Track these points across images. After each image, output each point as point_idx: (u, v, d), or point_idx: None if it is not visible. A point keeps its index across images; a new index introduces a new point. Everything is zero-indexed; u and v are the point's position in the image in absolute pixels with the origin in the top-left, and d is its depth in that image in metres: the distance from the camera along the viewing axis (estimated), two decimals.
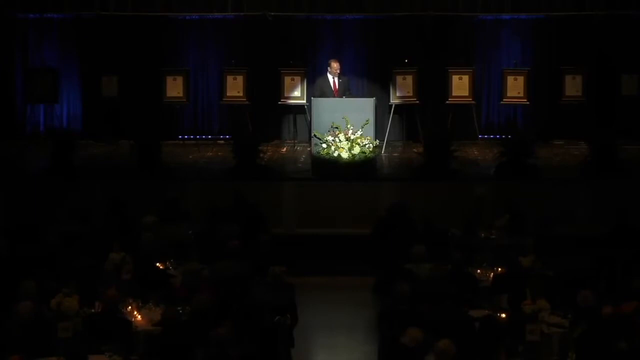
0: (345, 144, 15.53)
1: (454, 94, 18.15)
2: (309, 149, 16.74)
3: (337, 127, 15.64)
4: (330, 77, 16.77)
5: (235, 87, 18.31)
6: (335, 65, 16.79)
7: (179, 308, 9.93)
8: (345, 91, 16.64)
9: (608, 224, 13.70)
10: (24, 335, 9.22)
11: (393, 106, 17.97)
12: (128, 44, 18.82)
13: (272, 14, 18.50)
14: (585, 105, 18.18)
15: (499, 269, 11.52)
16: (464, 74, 18.19)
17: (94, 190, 15.34)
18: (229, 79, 18.35)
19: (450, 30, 18.93)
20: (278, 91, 18.14)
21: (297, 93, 17.98)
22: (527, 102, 18.30)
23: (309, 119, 17.14)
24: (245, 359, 8.91)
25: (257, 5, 18.59)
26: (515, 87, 18.17)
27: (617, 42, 18.56)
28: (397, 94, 17.96)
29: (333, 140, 15.58)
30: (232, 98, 18.34)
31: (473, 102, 18.23)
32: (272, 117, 18.77)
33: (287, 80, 18.12)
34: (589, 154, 16.12)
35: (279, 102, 18.19)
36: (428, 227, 13.25)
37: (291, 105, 18.23)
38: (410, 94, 17.94)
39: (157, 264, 11.73)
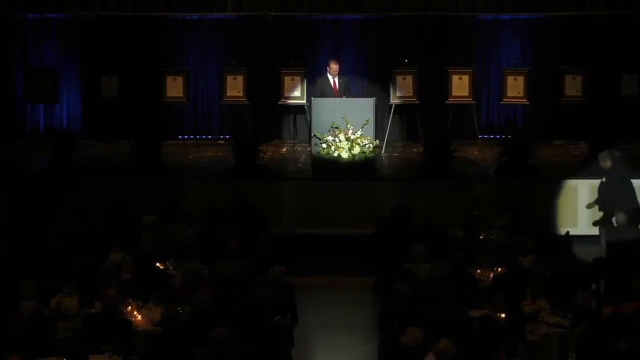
0: (345, 144, 15.54)
1: (454, 94, 18.16)
2: (309, 149, 16.75)
3: (337, 127, 15.65)
4: (330, 77, 16.79)
5: (235, 87, 18.32)
6: (334, 66, 16.80)
7: (179, 308, 9.93)
8: (345, 91, 16.65)
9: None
10: (24, 335, 9.22)
11: (393, 106, 17.97)
12: (128, 44, 18.82)
13: (272, 14, 18.50)
14: (585, 105, 18.19)
15: (499, 269, 11.52)
16: (464, 74, 18.19)
17: (94, 190, 15.34)
18: (229, 79, 18.35)
19: (450, 30, 18.93)
20: (278, 91, 18.14)
21: (297, 93, 17.98)
22: (527, 102, 18.30)
23: (309, 119, 17.15)
24: (245, 359, 8.91)
25: (257, 5, 18.59)
26: (515, 87, 18.17)
27: (617, 42, 18.56)
28: (397, 94, 17.96)
29: (333, 140, 15.59)
30: (232, 98, 18.34)
31: (473, 102, 18.23)
32: (272, 117, 18.77)
33: (287, 80, 18.12)
34: (589, 154, 16.12)
35: (279, 102, 18.19)
36: (428, 227, 13.25)
37: (291, 105, 18.23)
38: (410, 94, 17.94)
39: (157, 264, 11.72)
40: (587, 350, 8.98)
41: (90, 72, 18.83)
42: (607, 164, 14.08)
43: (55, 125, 18.87)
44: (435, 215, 13.64)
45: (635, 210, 13.79)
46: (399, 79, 17.97)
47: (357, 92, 18.02)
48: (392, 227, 13.38)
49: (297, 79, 18.06)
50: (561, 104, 18.30)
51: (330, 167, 15.64)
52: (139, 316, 10.08)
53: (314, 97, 16.57)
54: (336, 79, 16.74)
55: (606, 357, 8.90)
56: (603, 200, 13.92)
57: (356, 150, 15.53)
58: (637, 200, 14.01)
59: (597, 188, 14.29)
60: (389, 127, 17.92)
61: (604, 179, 14.03)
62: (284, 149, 18.28)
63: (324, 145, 15.63)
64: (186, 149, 18.24)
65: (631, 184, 14.06)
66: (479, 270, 11.60)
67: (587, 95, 18.16)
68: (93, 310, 10.04)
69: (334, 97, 16.56)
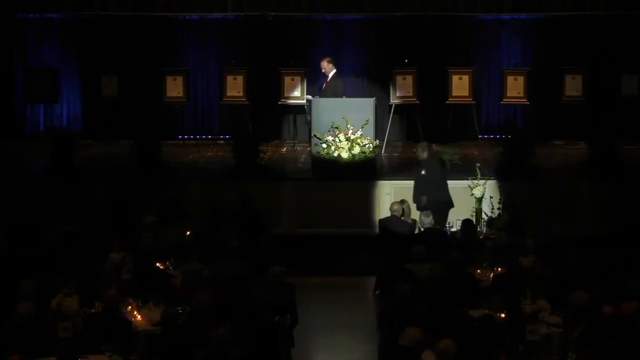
0: (345, 144, 15.55)
1: (454, 94, 18.15)
2: (309, 149, 16.75)
3: (337, 127, 15.66)
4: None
5: (235, 87, 18.32)
6: (322, 63, 16.94)
7: (179, 308, 9.93)
8: (335, 91, 16.61)
9: (608, 224, 13.73)
10: (24, 335, 9.22)
11: (393, 106, 17.96)
12: (128, 44, 18.82)
13: (272, 14, 18.51)
14: (585, 105, 18.18)
15: (499, 269, 11.52)
16: (464, 74, 18.18)
17: (94, 190, 15.36)
18: (229, 79, 18.35)
19: (450, 30, 18.92)
20: (278, 91, 18.15)
21: (297, 93, 17.98)
22: (527, 102, 18.29)
23: (309, 119, 17.17)
24: (245, 359, 8.91)
25: (257, 5, 18.60)
26: (515, 87, 18.17)
27: (617, 42, 18.55)
28: (397, 94, 17.96)
29: (333, 140, 15.60)
30: (232, 98, 18.34)
31: (473, 102, 18.22)
32: (272, 117, 18.77)
33: (287, 80, 18.13)
34: (589, 154, 16.12)
35: (279, 102, 18.19)
36: (429, 227, 13.26)
37: (291, 105, 18.23)
38: (410, 94, 17.94)
39: (157, 264, 11.73)
40: (587, 350, 8.98)
41: (90, 72, 18.82)
42: (423, 155, 14.62)
43: (55, 125, 18.87)
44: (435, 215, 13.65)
45: (447, 202, 14.30)
46: (399, 79, 17.97)
47: (357, 92, 18.04)
48: (392, 227, 13.39)
49: (297, 79, 18.06)
50: (561, 104, 18.29)
51: (330, 167, 15.65)
52: (139, 316, 10.08)
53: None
54: (329, 76, 16.81)
55: (606, 357, 8.90)
56: (419, 191, 14.36)
57: (356, 150, 15.54)
58: (449, 192, 14.41)
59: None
60: (389, 127, 17.92)
61: (422, 172, 14.46)
62: (284, 149, 18.28)
63: (324, 145, 15.65)
64: (186, 149, 18.24)
65: (445, 176, 14.62)
66: (479, 270, 11.61)
67: (587, 95, 18.15)
68: (93, 310, 10.03)
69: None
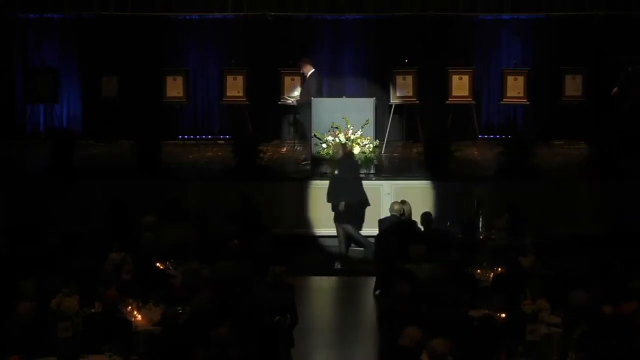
0: None
1: (454, 94, 18.15)
2: (308, 149, 16.76)
3: (337, 127, 15.66)
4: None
5: (235, 87, 18.32)
6: (300, 65, 17.04)
7: (179, 308, 9.93)
8: (309, 91, 16.66)
9: (608, 224, 13.74)
10: (24, 335, 9.22)
11: (393, 106, 17.96)
12: (128, 44, 18.81)
13: (272, 14, 18.49)
14: (585, 105, 18.17)
15: (499, 269, 11.52)
16: (464, 74, 18.18)
17: (94, 190, 15.35)
18: (229, 79, 18.36)
19: (450, 30, 18.92)
20: (278, 91, 18.15)
21: (297, 93, 17.96)
22: (527, 102, 18.29)
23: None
24: (245, 359, 8.91)
25: (257, 5, 18.58)
26: (515, 87, 18.17)
27: (617, 42, 18.54)
28: (397, 94, 17.96)
29: (333, 140, 15.59)
30: (232, 98, 18.34)
31: (473, 102, 18.22)
32: (272, 117, 18.77)
33: (287, 80, 18.14)
34: (589, 154, 16.10)
35: (279, 102, 18.19)
36: (428, 227, 13.26)
37: (291, 105, 18.22)
38: (410, 94, 17.94)
39: (157, 264, 11.72)
40: (587, 350, 8.98)
41: (90, 72, 18.82)
42: (339, 154, 14.80)
43: (55, 125, 18.87)
44: (436, 215, 13.65)
45: (362, 202, 14.57)
46: (399, 79, 17.96)
47: (357, 92, 18.05)
48: (392, 227, 13.39)
49: (297, 79, 18.04)
50: (561, 104, 18.29)
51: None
52: (139, 316, 10.07)
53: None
54: (307, 77, 16.88)
55: (606, 357, 8.90)
56: (335, 191, 14.54)
57: (356, 150, 15.54)
58: (363, 191, 14.61)
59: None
60: (389, 127, 17.92)
61: (336, 172, 14.62)
62: (284, 149, 18.28)
63: (324, 145, 15.65)
64: (186, 149, 18.24)
65: (359, 176, 14.85)
66: (479, 270, 11.60)
67: (587, 95, 18.15)
68: (93, 310, 10.03)
69: None
